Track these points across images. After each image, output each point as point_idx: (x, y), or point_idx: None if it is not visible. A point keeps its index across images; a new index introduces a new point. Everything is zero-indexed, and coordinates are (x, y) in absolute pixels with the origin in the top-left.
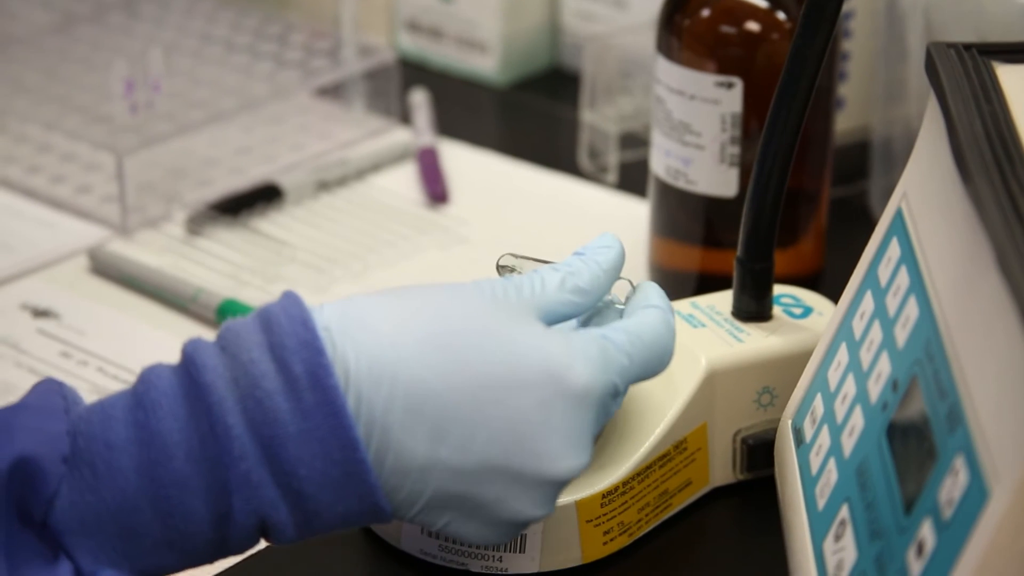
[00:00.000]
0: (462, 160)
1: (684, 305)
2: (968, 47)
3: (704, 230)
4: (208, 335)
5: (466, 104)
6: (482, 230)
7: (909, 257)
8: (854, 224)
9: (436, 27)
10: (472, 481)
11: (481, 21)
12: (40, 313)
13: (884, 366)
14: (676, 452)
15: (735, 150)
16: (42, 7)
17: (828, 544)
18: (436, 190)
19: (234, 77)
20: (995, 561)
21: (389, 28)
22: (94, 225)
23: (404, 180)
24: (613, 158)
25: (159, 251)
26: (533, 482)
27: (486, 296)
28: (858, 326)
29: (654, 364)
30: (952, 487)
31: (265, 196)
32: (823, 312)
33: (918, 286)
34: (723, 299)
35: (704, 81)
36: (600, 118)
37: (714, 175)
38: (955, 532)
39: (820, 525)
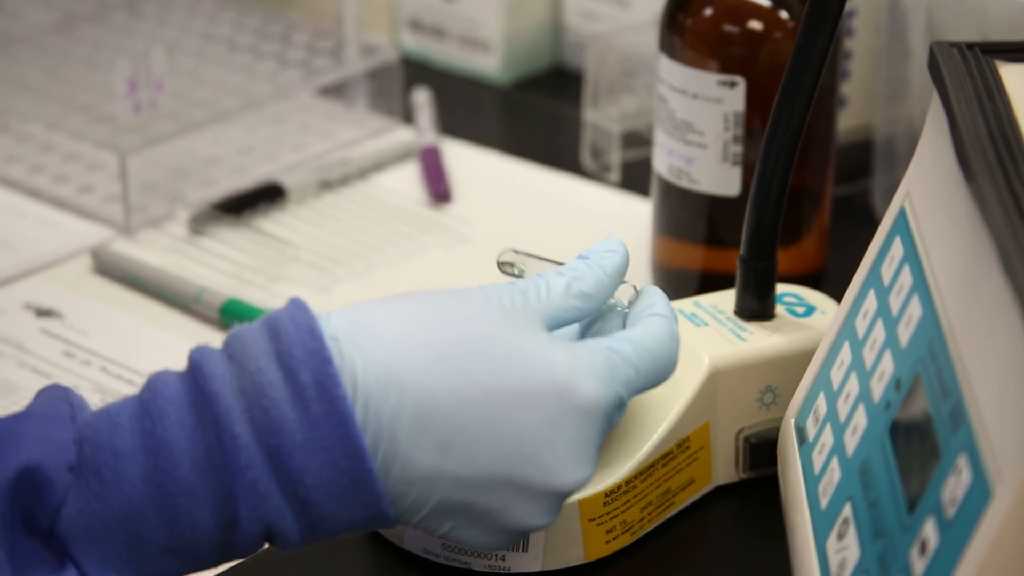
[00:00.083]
0: (465, 159)
1: (687, 304)
2: (971, 46)
3: (707, 229)
4: (211, 334)
5: (469, 103)
6: (485, 229)
7: (912, 256)
8: (857, 223)
9: (438, 26)
10: (477, 491)
11: (483, 20)
12: (43, 313)
13: (887, 365)
14: (679, 451)
15: (738, 149)
16: (44, 7)
17: (831, 543)
18: (439, 189)
19: (237, 76)
20: (998, 560)
21: (391, 27)
22: (97, 225)
23: (407, 179)
24: (616, 157)
25: (162, 251)
26: (538, 493)
27: (492, 303)
28: (861, 325)
29: (659, 374)
30: (955, 486)
31: (268, 195)
32: (826, 311)
33: (921, 285)
34: (726, 298)
35: (707, 80)
36: (603, 117)
37: (717, 174)
38: (958, 531)
39: (823, 524)
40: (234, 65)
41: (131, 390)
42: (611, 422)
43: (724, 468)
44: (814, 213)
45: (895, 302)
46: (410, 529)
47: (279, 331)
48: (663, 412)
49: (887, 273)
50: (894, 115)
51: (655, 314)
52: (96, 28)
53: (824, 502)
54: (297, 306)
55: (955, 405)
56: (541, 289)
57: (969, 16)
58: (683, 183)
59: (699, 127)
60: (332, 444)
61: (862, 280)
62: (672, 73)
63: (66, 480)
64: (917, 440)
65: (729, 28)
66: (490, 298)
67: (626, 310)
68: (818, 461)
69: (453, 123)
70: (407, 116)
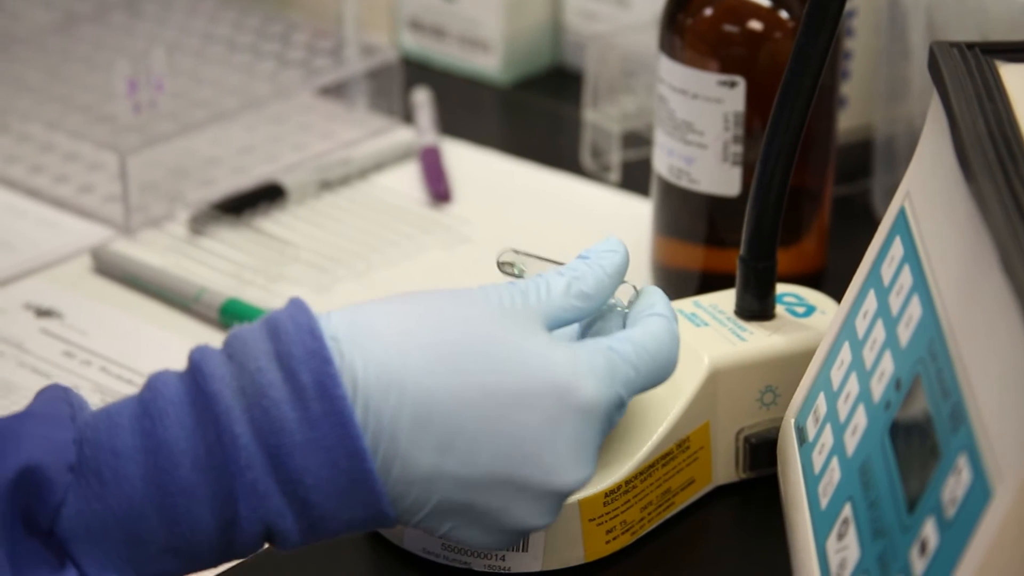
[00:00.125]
0: (465, 159)
1: (687, 304)
2: (971, 46)
3: (707, 229)
4: (211, 334)
5: (469, 103)
6: (485, 229)
7: (912, 256)
8: (857, 223)
9: (438, 26)
10: (477, 491)
11: (483, 20)
12: (43, 313)
13: (887, 365)
14: (679, 451)
15: (738, 149)
16: (44, 7)
17: (831, 543)
18: (439, 189)
19: (237, 76)
20: (998, 560)
21: (391, 27)
22: (97, 225)
23: (407, 179)
24: (616, 157)
25: (162, 251)
26: (538, 493)
27: (492, 303)
28: (861, 325)
29: (659, 374)
30: (955, 486)
31: (268, 195)
32: (826, 311)
33: (921, 285)
34: (726, 298)
35: (707, 80)
36: (603, 117)
37: (717, 174)
38: (958, 531)
39: (823, 524)
40: (234, 65)
41: (131, 390)
42: (611, 422)
43: (724, 468)
44: (814, 213)
45: (895, 302)
46: (410, 529)
47: (279, 331)
48: (663, 412)
49: (887, 273)
50: (894, 115)
51: (655, 314)
52: (96, 28)
53: (824, 502)
54: (297, 306)
55: (955, 405)
56: (541, 289)
57: (969, 16)
58: (683, 183)
59: (699, 127)
60: (332, 444)
61: (862, 280)
62: (672, 73)
63: (66, 480)
64: (917, 440)
65: (729, 28)
66: (490, 298)
67: (626, 310)
68: (818, 461)
69: (453, 123)
70: (407, 116)
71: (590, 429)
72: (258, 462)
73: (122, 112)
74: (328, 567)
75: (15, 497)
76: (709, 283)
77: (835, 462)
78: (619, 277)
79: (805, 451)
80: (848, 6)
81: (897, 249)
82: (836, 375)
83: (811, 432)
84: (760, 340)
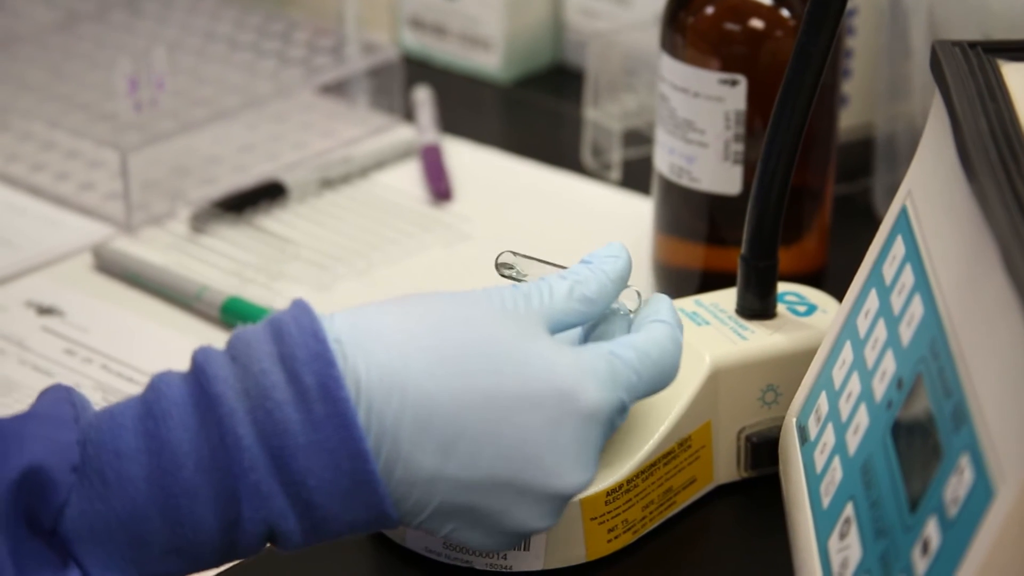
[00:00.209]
0: (466, 157)
1: (688, 303)
2: (973, 45)
3: (708, 228)
4: (212, 332)
5: (469, 101)
6: (486, 227)
7: (914, 255)
8: (858, 221)
9: (439, 24)
10: (479, 493)
11: (484, 18)
12: (44, 310)
13: (889, 364)
14: (680, 450)
15: (739, 147)
16: (45, 5)
17: (833, 542)
18: (440, 187)
19: (238, 75)
20: (1000, 559)
21: (392, 25)
22: (98, 222)
23: (408, 177)
24: (617, 155)
25: (163, 248)
26: (539, 496)
27: (495, 306)
28: (862, 324)
29: (661, 380)
30: (957, 486)
31: (269, 194)
32: (827, 310)
33: (923, 284)
34: (727, 297)
35: (708, 78)
36: (604, 115)
37: (718, 172)
38: (960, 531)
39: (825, 523)
40: (235, 63)
41: (132, 388)
42: (613, 426)
43: (726, 467)
44: (815, 212)
45: (897, 301)
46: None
47: (282, 333)
48: (665, 411)
49: (889, 272)
50: (895, 113)
51: (659, 320)
52: (97, 26)
53: (826, 501)
54: (300, 308)
55: (957, 404)
56: (544, 292)
57: (971, 15)
58: (684, 182)
59: (700, 125)
60: (335, 446)
61: (863, 279)
62: (673, 71)
63: (69, 481)
64: (919, 439)
65: (730, 26)
66: (492, 300)
67: (630, 314)
68: (820, 460)
69: (454, 121)
70: (408, 114)
71: (591, 433)
72: (261, 464)
73: (123, 110)
74: (330, 565)
75: (19, 497)
76: (710, 282)
77: (837, 461)
78: (622, 282)
79: (807, 450)
80: (849, 4)
81: (899, 248)
82: (838, 374)
83: (813, 431)
84: (761, 339)
